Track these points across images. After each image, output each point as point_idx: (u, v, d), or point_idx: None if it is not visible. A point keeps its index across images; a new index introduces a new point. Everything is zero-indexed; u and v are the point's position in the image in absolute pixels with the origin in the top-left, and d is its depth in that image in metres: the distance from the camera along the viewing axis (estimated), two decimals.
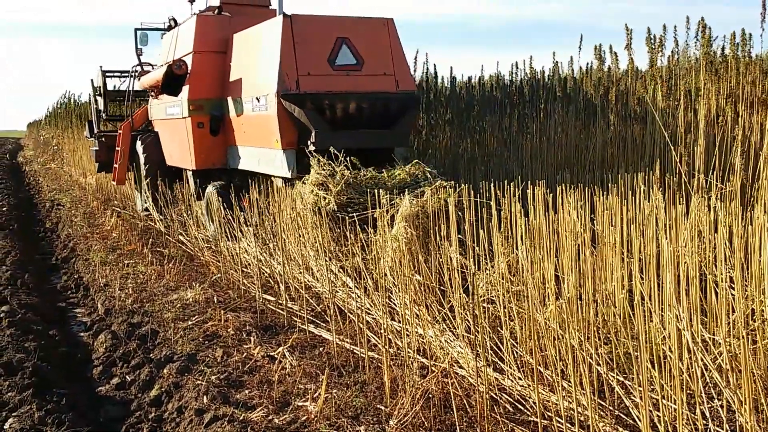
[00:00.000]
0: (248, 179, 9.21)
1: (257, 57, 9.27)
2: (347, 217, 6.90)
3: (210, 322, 6.43)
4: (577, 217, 5.41)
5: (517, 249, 5.39)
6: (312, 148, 8.20)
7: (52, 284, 9.34)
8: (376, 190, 6.59)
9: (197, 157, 10.36)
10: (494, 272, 5.41)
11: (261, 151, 9.19)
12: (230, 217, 8.31)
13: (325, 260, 6.67)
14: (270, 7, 10.81)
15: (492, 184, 5.96)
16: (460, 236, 5.75)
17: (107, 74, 14.88)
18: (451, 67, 12.90)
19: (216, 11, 10.72)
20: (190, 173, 10.88)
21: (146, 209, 11.80)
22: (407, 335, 5.10)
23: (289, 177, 8.52)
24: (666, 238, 4.45)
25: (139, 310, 7.13)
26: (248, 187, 8.64)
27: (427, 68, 12.58)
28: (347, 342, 5.65)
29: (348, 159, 7.56)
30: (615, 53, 9.13)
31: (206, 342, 6.00)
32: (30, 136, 48.11)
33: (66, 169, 23.20)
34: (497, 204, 5.75)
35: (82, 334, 7.13)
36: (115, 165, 13.24)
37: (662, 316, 4.38)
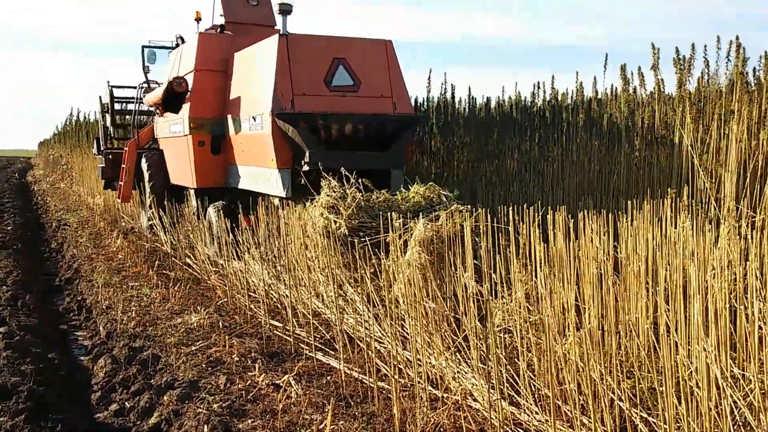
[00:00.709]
0: (250, 199, 9.07)
1: (254, 76, 9.26)
2: (358, 242, 6.65)
3: (214, 348, 6.17)
4: (600, 243, 5.16)
5: (535, 277, 5.14)
6: (306, 168, 8.21)
7: (54, 305, 9.08)
8: (388, 214, 6.36)
9: (198, 175, 10.35)
10: (511, 301, 5.16)
11: (258, 171, 9.17)
12: (232, 238, 8.17)
13: (335, 286, 6.42)
14: (275, 27, 10.64)
15: (511, 209, 5.73)
16: (476, 262, 5.49)
17: (115, 96, 15.03)
18: (470, 87, 12.68)
19: (218, 30, 10.80)
20: (192, 192, 10.82)
21: (151, 227, 11.66)
22: (419, 365, 4.84)
23: (283, 196, 8.48)
24: (694, 267, 4.19)
25: (141, 333, 6.87)
26: (250, 206, 8.52)
27: (445, 88, 12.34)
28: (356, 371, 5.39)
29: (360, 181, 7.32)
30: (641, 74, 8.84)
31: (209, 368, 5.73)
32: (41, 155, 48.08)
33: (75, 188, 23.02)
34: (516, 229, 5.51)
35: (82, 357, 6.87)
36: (120, 182, 13.26)
37: (689, 349, 4.12)
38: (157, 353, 6.20)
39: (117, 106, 15.12)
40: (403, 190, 7.50)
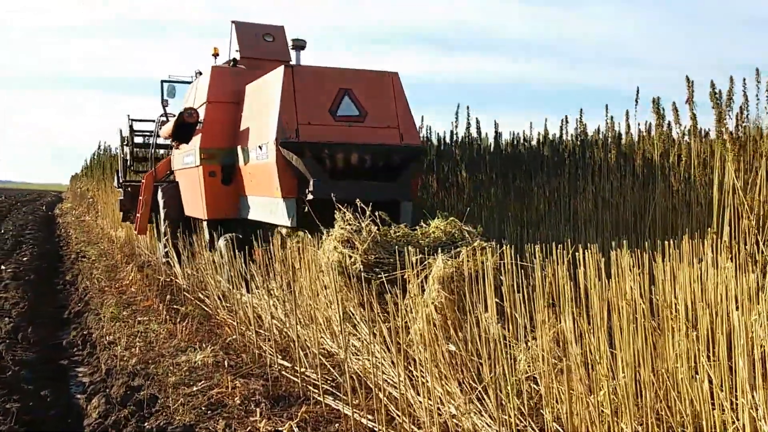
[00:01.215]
0: (260, 231, 8.82)
1: (262, 106, 9.18)
2: (375, 279, 6.22)
3: (216, 389, 5.73)
4: (634, 283, 4.69)
5: (563, 320, 4.70)
6: (310, 197, 8.10)
7: (58, 339, 8.68)
8: (406, 249, 5.95)
9: (209, 206, 10.21)
10: (537, 345, 4.70)
11: (264, 200, 9.04)
12: (241, 271, 7.90)
13: (346, 326, 6.01)
14: (290, 62, 10.51)
15: (538, 246, 5.30)
16: (498, 301, 5.05)
17: (135, 129, 15.21)
18: (496, 122, 12.22)
19: (231, 64, 10.92)
20: (204, 224, 10.64)
21: (166, 256, 11.45)
22: (438, 413, 4.39)
23: (288, 226, 8.38)
24: (738, 312, 3.74)
25: (141, 371, 6.45)
26: (260, 238, 8.25)
27: (469, 123, 11.98)
28: (367, 418, 4.93)
29: (377, 214, 6.92)
30: (676, 108, 8.37)
31: (209, 412, 5.29)
32: (71, 189, 48.19)
33: (99, 221, 22.87)
34: (542, 268, 5.07)
35: (79, 396, 6.45)
36: (137, 214, 13.22)
37: (735, 404, 3.67)
38: (155, 393, 5.77)
39: (138, 140, 15.28)
40: (423, 225, 7.07)
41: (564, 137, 10.68)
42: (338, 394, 5.44)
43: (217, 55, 11.68)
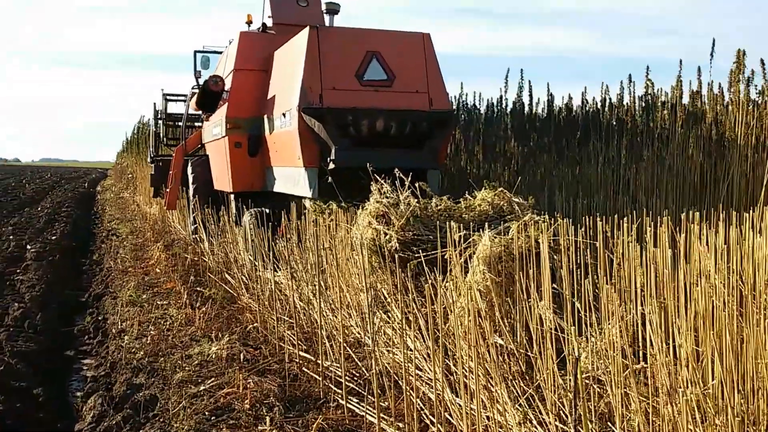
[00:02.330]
0: (291, 204, 8.07)
1: (288, 72, 8.64)
2: (412, 258, 5.41)
3: (226, 389, 4.95)
4: (716, 268, 3.81)
5: (634, 308, 3.87)
6: (331, 165, 7.75)
7: (71, 326, 7.99)
8: (447, 224, 5.14)
9: (234, 179, 9.71)
10: (602, 339, 3.85)
11: (288, 171, 8.69)
12: (264, 249, 7.23)
13: (377, 311, 5.21)
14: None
15: (599, 219, 4.45)
16: (554, 287, 4.22)
17: (168, 98, 15.06)
18: (548, 84, 11.27)
19: (261, 29, 10.36)
20: (231, 197, 10.10)
21: (195, 233, 10.91)
22: (482, 418, 3.58)
23: (310, 197, 7.96)
24: None
25: (148, 366, 5.69)
26: (286, 213, 7.57)
27: (521, 87, 11.09)
28: (396, 427, 4.12)
29: (417, 186, 6.11)
30: (763, 62, 7.40)
31: (212, 418, 4.50)
32: (115, 166, 48.00)
33: (136, 198, 22.31)
34: (606, 245, 4.23)
35: (78, 393, 5.74)
36: (166, 189, 12.86)
37: None
38: (155, 394, 5.02)
39: (173, 114, 15.02)
40: (468, 197, 6.22)
41: (624, 101, 9.72)
42: (364, 393, 4.64)
43: (251, 22, 11.09)
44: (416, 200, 5.97)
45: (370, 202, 6.02)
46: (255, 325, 6.46)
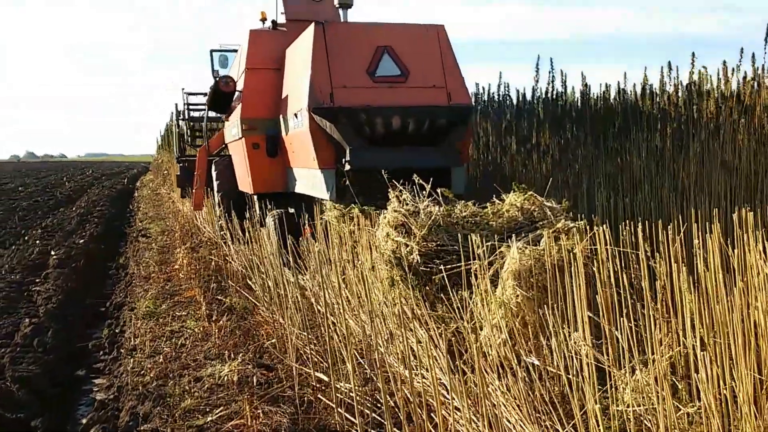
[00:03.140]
0: (312, 205, 7.89)
1: (298, 70, 8.36)
2: (436, 272, 4.96)
3: (234, 421, 4.55)
4: None
5: (684, 336, 3.40)
6: (347, 167, 7.48)
7: (86, 340, 7.65)
8: (473, 234, 4.69)
9: (254, 180, 9.45)
10: (646, 373, 3.38)
11: (305, 172, 8.43)
12: (287, 257, 6.78)
13: (399, 332, 4.76)
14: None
15: (641, 225, 3.96)
16: (590, 315, 3.74)
17: (191, 102, 15.01)
18: (583, 73, 10.72)
19: (271, 26, 10.08)
20: (255, 198, 9.91)
21: (222, 231, 10.68)
22: None
23: (327, 199, 7.63)
24: None
25: (155, 391, 5.28)
26: (305, 214, 7.46)
27: (553, 76, 10.58)
28: None
29: (439, 192, 5.67)
30: None
31: None
32: (153, 162, 48.00)
33: (172, 194, 22.07)
34: (648, 257, 3.77)
35: (83, 420, 5.37)
36: (192, 190, 12.73)
37: None
38: (158, 428, 4.63)
39: (196, 114, 14.89)
40: (496, 201, 5.73)
41: (666, 88, 9.17)
42: (385, 423, 4.20)
43: (265, 20, 10.79)
44: (438, 206, 5.52)
45: (389, 211, 5.58)
46: (272, 341, 6.06)
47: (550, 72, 10.70)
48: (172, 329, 7.04)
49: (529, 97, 11.22)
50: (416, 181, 5.74)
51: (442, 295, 4.93)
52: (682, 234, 3.69)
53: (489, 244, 4.65)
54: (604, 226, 4.18)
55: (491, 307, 4.41)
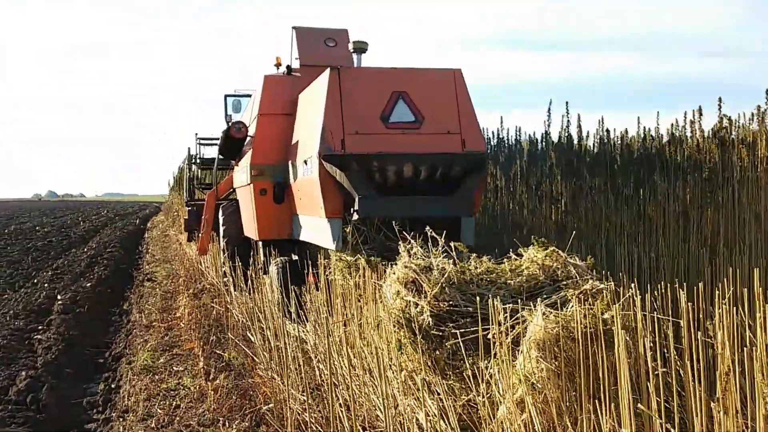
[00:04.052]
0: (317, 253, 7.64)
1: (310, 116, 8.15)
2: (449, 336, 4.55)
3: None
4: None
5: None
6: (355, 217, 7.20)
7: (80, 397, 7.19)
8: (490, 295, 4.30)
9: (260, 226, 9.28)
10: None
11: (311, 220, 8.23)
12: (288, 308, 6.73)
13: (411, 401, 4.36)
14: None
15: (675, 284, 3.55)
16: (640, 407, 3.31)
17: (202, 142, 15.24)
18: (602, 118, 10.38)
19: (286, 71, 9.96)
20: (259, 244, 9.68)
21: (225, 277, 10.33)
22: None
23: (333, 249, 7.37)
24: None
25: None
26: (310, 263, 7.28)
27: (568, 121, 10.25)
28: None
29: (453, 246, 5.28)
30: None
31: None
32: (165, 203, 47.97)
33: (180, 236, 21.83)
34: (692, 325, 3.37)
35: None
36: (199, 234, 12.65)
37: None
38: None
39: (208, 158, 14.98)
40: (514, 256, 5.31)
41: (690, 134, 8.79)
42: None
43: (280, 65, 10.69)
44: (451, 261, 5.12)
45: (398, 266, 5.18)
46: (270, 406, 5.63)
47: (564, 116, 10.39)
48: (168, 386, 6.71)
49: (539, 141, 10.94)
50: (429, 233, 5.39)
51: (453, 361, 4.54)
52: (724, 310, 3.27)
53: (508, 306, 4.25)
54: (636, 287, 3.79)
55: (510, 381, 3.98)
